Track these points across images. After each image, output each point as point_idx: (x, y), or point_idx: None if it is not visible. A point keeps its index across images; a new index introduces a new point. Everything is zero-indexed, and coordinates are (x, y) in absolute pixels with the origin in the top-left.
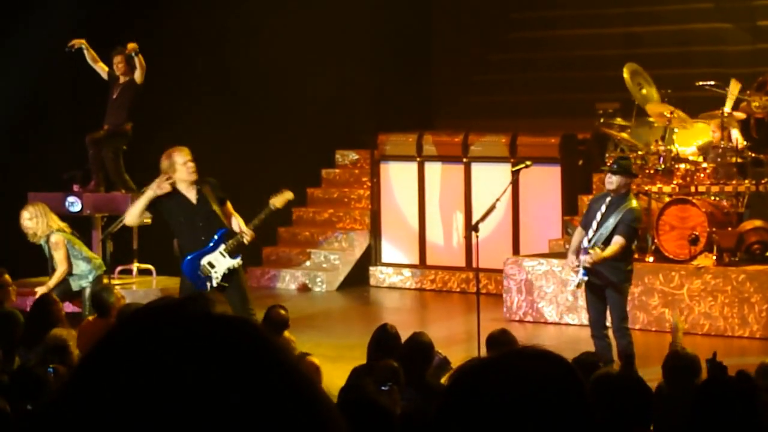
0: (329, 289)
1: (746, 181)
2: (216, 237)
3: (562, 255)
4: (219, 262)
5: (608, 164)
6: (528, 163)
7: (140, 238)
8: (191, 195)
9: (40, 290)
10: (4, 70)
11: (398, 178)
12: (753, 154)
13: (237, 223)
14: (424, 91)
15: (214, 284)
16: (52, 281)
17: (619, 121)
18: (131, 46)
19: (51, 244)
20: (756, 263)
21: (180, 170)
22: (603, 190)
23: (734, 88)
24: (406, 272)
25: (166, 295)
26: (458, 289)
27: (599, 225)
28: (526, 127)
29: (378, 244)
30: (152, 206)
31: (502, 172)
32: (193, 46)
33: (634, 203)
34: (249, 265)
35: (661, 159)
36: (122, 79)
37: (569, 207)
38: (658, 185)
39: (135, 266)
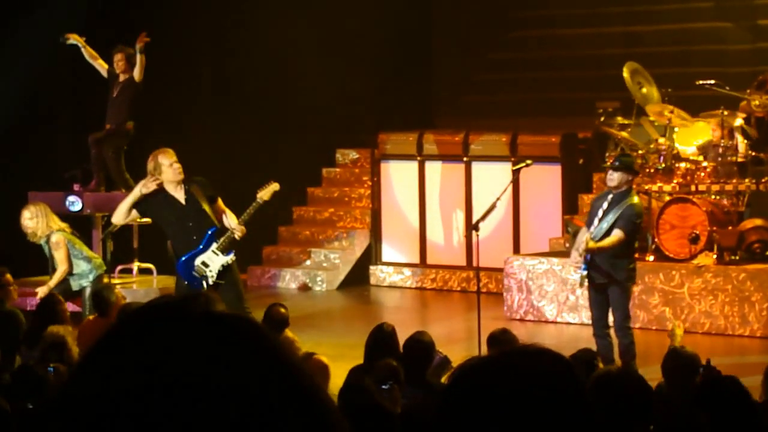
0: (330, 288)
1: (746, 180)
2: (207, 236)
3: (562, 254)
4: (213, 261)
5: (609, 163)
6: (528, 162)
7: (141, 237)
8: (179, 195)
9: (41, 290)
10: (5, 69)
11: (399, 177)
12: (753, 153)
13: (229, 219)
14: (425, 90)
15: (210, 283)
16: (53, 281)
17: (619, 120)
18: (142, 37)
19: (51, 244)
20: (756, 262)
21: (166, 171)
22: (603, 189)
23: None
24: (407, 271)
25: (166, 293)
26: (459, 288)
27: (600, 221)
28: (527, 126)
29: (378, 243)
30: (141, 210)
31: (503, 171)
32: (193, 46)
33: (635, 199)
34: (249, 264)
35: (662, 158)
36: (122, 77)
37: (570, 206)
38: (659, 184)
39: (135, 265)
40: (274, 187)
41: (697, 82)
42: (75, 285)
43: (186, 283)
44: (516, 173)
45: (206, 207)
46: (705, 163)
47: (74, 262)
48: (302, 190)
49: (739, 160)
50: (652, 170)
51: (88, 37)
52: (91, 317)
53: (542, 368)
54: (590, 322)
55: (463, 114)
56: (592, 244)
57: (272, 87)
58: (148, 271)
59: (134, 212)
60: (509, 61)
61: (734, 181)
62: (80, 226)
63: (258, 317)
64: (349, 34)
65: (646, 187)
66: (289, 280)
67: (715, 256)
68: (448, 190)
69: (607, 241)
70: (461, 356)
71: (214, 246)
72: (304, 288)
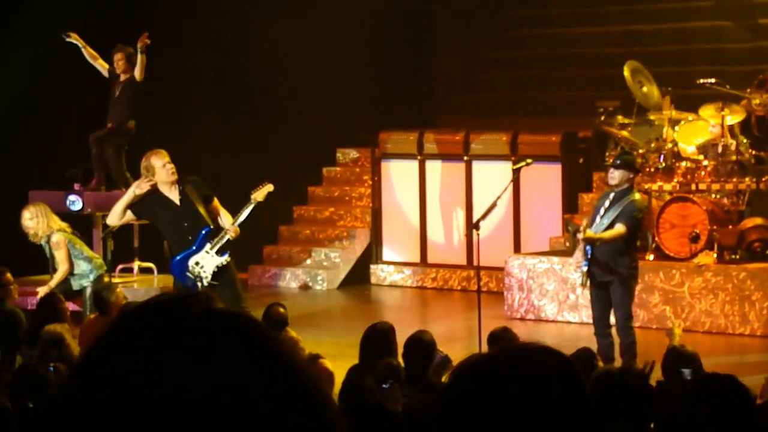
0: (330, 287)
1: (747, 179)
2: (200, 236)
3: (563, 253)
4: (207, 261)
5: (609, 162)
6: (529, 161)
7: (141, 236)
8: (174, 196)
9: (42, 290)
10: (6, 68)
11: (399, 176)
12: (754, 152)
13: (224, 219)
14: (425, 89)
15: (205, 283)
16: (54, 281)
17: (619, 119)
18: (143, 37)
19: (52, 244)
20: (757, 261)
21: (159, 173)
22: (603, 188)
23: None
24: (407, 270)
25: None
26: (459, 287)
27: (602, 218)
28: (527, 125)
29: (379, 243)
30: (136, 211)
31: (503, 170)
32: (193, 45)
33: (636, 196)
34: (250, 263)
35: (662, 157)
36: (123, 77)
37: (570, 205)
38: (659, 183)
39: (136, 265)
40: (268, 188)
41: (697, 81)
42: (76, 285)
43: (181, 284)
44: (516, 172)
45: (201, 207)
46: (705, 162)
47: (75, 262)
48: (303, 189)
49: (739, 158)
50: (652, 169)
51: (88, 36)
52: (92, 316)
53: (542, 366)
54: (590, 321)
55: (463, 113)
56: (589, 233)
57: (273, 86)
58: (148, 270)
59: (129, 214)
60: (509, 60)
61: (734, 180)
62: (81, 225)
63: (257, 317)
64: (349, 33)
65: (647, 186)
66: (289, 279)
67: (715, 255)
68: (448, 190)
69: (608, 234)
70: (462, 355)
71: (208, 246)
72: (305, 287)
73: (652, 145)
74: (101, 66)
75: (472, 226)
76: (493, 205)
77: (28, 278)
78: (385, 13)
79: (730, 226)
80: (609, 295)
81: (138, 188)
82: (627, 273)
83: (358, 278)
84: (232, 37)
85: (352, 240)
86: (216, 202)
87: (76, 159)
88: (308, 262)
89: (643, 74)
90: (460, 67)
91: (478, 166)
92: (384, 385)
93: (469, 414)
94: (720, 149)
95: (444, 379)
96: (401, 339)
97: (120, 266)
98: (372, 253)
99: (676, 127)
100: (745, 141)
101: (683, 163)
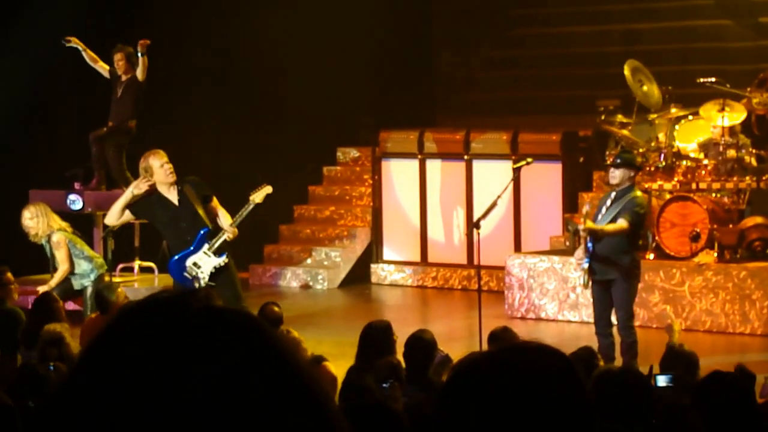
0: (331, 286)
1: (747, 178)
2: (198, 237)
3: (563, 252)
4: (204, 262)
5: (610, 161)
6: (529, 160)
7: (142, 235)
8: (173, 197)
9: (42, 289)
10: (6, 67)
11: (399, 176)
12: (754, 151)
13: (222, 220)
14: (425, 88)
15: (202, 284)
16: (54, 280)
17: (620, 118)
18: (143, 42)
19: (53, 244)
20: (757, 260)
21: (158, 173)
22: (604, 187)
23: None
24: (408, 269)
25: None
26: (459, 287)
27: (603, 216)
28: (527, 124)
29: (379, 242)
30: (134, 212)
31: (504, 169)
32: (193, 44)
33: (638, 194)
34: (251, 262)
35: (662, 156)
36: (124, 77)
37: (570, 204)
38: (659, 182)
39: (136, 264)
40: (267, 189)
41: (698, 80)
42: (76, 284)
43: (179, 284)
44: (517, 171)
45: (199, 208)
46: (706, 161)
47: (75, 262)
48: (303, 189)
49: (739, 157)
50: (652, 168)
51: (88, 36)
52: (93, 316)
53: (541, 364)
54: (591, 320)
55: (463, 112)
56: (590, 224)
57: (273, 86)
58: (149, 270)
59: (128, 213)
60: (510, 59)
61: (735, 179)
62: (81, 224)
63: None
64: (349, 32)
65: (647, 186)
66: (290, 279)
67: (715, 254)
68: (448, 189)
69: (609, 227)
70: (462, 354)
71: (206, 247)
72: (306, 286)
73: (653, 144)
74: (102, 68)
75: (472, 225)
76: (494, 205)
77: (28, 278)
78: (386, 12)
79: (731, 225)
80: (610, 295)
81: (136, 188)
82: (629, 272)
83: (358, 277)
84: (233, 37)
85: (352, 239)
86: (215, 202)
87: (76, 158)
88: (309, 261)
89: (644, 73)
90: (460, 67)
91: (478, 166)
92: (384, 385)
93: (467, 412)
94: (720, 148)
95: (444, 378)
96: (402, 338)
97: (120, 265)
98: (372, 253)
99: (677, 126)
100: (745, 140)
101: (684, 162)
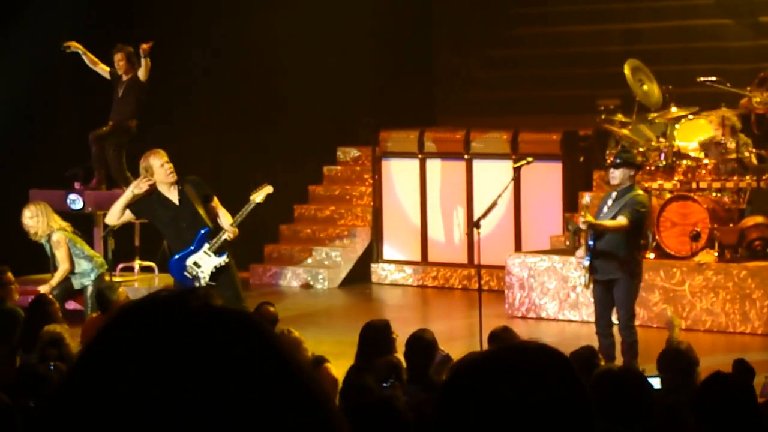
0: (331, 286)
1: (747, 177)
2: (199, 236)
3: (563, 251)
4: (204, 262)
5: (609, 161)
6: (529, 159)
7: (142, 235)
8: (173, 196)
9: (43, 288)
10: (6, 66)
11: (400, 175)
12: (755, 150)
13: (223, 219)
14: (425, 88)
15: (203, 284)
16: (55, 280)
17: (620, 117)
18: (145, 46)
19: (53, 243)
20: (757, 259)
21: (158, 173)
22: (604, 187)
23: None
24: (408, 269)
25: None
26: (460, 286)
27: (604, 216)
28: (528, 123)
29: (380, 241)
30: (135, 211)
31: (504, 168)
32: (193, 44)
33: (640, 192)
34: (251, 262)
35: (662, 155)
36: (125, 77)
37: (570, 203)
38: (659, 182)
39: (137, 263)
40: (268, 189)
41: (698, 80)
42: (77, 284)
43: (179, 284)
44: (517, 171)
45: (200, 208)
46: (706, 161)
47: (76, 261)
48: (303, 188)
49: (739, 156)
50: (653, 168)
51: (88, 36)
52: (94, 315)
53: (541, 364)
54: (591, 319)
55: (463, 112)
56: (589, 218)
57: (273, 85)
58: (149, 269)
59: (128, 213)
60: (510, 58)
61: (735, 178)
62: (81, 224)
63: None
64: (349, 32)
65: (647, 185)
66: (290, 278)
67: (716, 254)
68: (449, 188)
69: (609, 222)
70: (463, 354)
71: (206, 247)
72: (306, 286)
73: (653, 143)
74: (102, 70)
75: (472, 224)
76: (494, 204)
77: (29, 277)
78: (386, 12)
79: (731, 225)
80: (611, 295)
81: (137, 188)
82: (632, 272)
83: (359, 277)
84: (233, 37)
85: (352, 239)
86: (216, 201)
87: (76, 158)
88: (309, 261)
89: (644, 72)
90: (460, 66)
91: (478, 165)
92: (385, 384)
93: (466, 412)
94: (721, 148)
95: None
96: (402, 338)
97: (121, 265)
98: (373, 252)
99: (677, 126)
100: (746, 139)
101: (684, 162)
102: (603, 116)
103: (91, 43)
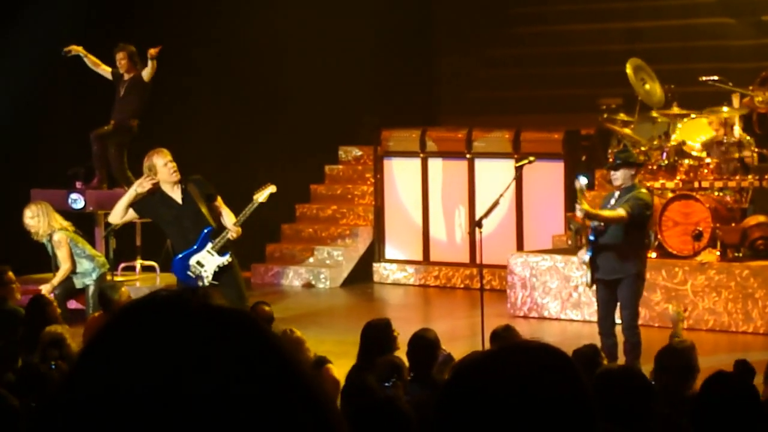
0: (333, 285)
1: (750, 177)
2: (202, 236)
3: (565, 251)
4: (208, 261)
5: (610, 161)
6: (531, 158)
7: (144, 234)
8: (176, 195)
9: (44, 288)
10: (7, 66)
11: (401, 175)
12: (757, 150)
13: (226, 219)
14: (427, 87)
15: (206, 283)
16: (56, 279)
17: (622, 116)
18: (153, 51)
19: (54, 243)
20: (760, 259)
21: (161, 172)
22: (606, 186)
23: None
24: (410, 268)
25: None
26: (462, 286)
27: None
28: (530, 122)
29: (381, 241)
30: (138, 210)
31: (506, 167)
32: (195, 43)
33: (642, 190)
34: (253, 261)
35: (665, 154)
36: (127, 76)
37: (572, 203)
38: (661, 181)
39: (138, 263)
40: (271, 189)
41: (700, 78)
42: (78, 283)
43: (183, 283)
44: (519, 170)
45: (203, 207)
46: (708, 160)
47: (77, 261)
48: (305, 188)
49: (742, 156)
50: (655, 167)
51: (88, 36)
52: (96, 314)
53: (542, 364)
54: (593, 318)
55: (465, 111)
56: (585, 206)
57: (275, 84)
58: (151, 269)
59: (131, 212)
60: (511, 57)
61: (737, 177)
62: (83, 223)
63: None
64: (351, 31)
65: (649, 184)
66: (292, 278)
67: (718, 253)
68: (451, 187)
69: (607, 212)
70: (465, 353)
71: (209, 246)
72: (308, 285)
73: (655, 142)
74: (104, 71)
75: (474, 224)
76: (496, 203)
77: (30, 277)
78: (388, 11)
79: (733, 224)
80: (615, 295)
81: (140, 187)
82: (635, 272)
83: (360, 276)
84: (234, 36)
85: (354, 238)
86: (219, 200)
87: (77, 157)
88: (311, 260)
89: (646, 71)
90: (462, 65)
91: (480, 164)
92: (386, 384)
93: (468, 411)
94: (723, 147)
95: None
96: (404, 338)
97: (122, 264)
98: (375, 252)
99: (679, 125)
100: (748, 138)
101: (686, 161)
102: (605, 115)
103: (92, 43)
